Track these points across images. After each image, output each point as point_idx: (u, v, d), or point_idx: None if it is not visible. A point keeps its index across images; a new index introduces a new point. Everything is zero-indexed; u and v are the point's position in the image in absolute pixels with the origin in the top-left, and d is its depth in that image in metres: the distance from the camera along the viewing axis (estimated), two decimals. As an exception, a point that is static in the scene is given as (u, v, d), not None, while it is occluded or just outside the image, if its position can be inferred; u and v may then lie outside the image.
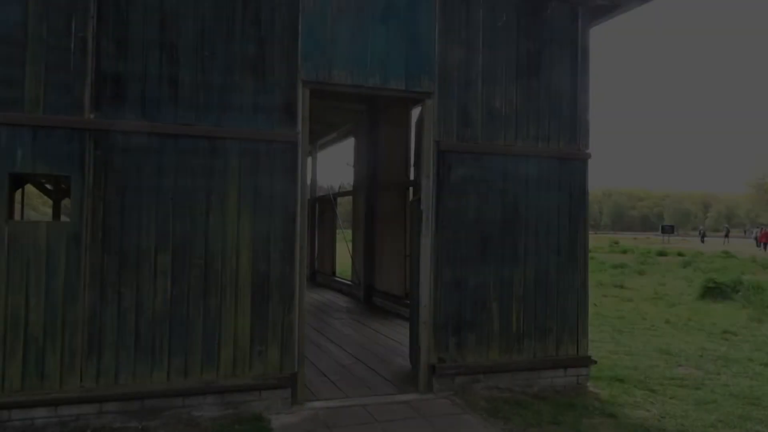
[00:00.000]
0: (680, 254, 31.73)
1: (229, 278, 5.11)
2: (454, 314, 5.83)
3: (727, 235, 56.14)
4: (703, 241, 54.75)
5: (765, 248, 38.95)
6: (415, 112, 8.92)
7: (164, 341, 4.93)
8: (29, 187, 9.44)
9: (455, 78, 5.89)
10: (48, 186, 9.27)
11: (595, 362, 6.40)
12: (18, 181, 6.34)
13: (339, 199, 16.13)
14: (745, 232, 72.95)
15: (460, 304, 5.86)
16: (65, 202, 8.90)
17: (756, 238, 44.56)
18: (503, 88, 6.06)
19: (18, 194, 8.00)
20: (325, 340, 8.32)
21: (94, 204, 4.80)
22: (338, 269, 16.08)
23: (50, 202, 10.03)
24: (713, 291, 14.64)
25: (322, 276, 16.22)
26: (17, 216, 8.08)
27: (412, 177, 9.77)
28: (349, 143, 15.79)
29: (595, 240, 36.22)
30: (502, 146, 6.06)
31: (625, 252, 34.12)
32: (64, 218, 6.66)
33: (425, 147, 5.87)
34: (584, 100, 6.41)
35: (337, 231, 15.38)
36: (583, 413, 5.49)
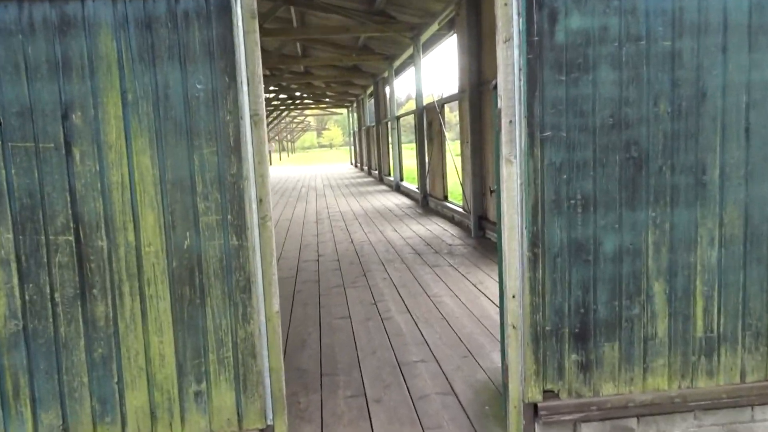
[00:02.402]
0: None
1: (125, 263, 2.75)
2: (572, 309, 3.01)
3: None
4: None
5: None
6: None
7: (21, 382, 2.76)
8: None
9: None
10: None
11: None
12: None
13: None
14: None
15: (584, 289, 3.01)
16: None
17: None
18: None
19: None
20: (399, 308, 5.87)
21: None
22: (451, 191, 13.44)
23: None
24: None
25: (433, 201, 13.70)
26: None
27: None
28: (453, 42, 12.73)
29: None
30: (671, -39, 2.89)
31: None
32: None
33: (502, -21, 2.89)
34: None
35: (446, 146, 12.59)
36: None
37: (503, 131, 2.92)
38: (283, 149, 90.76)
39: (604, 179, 2.96)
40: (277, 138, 68.92)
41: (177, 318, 2.78)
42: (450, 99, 11.76)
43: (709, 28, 2.92)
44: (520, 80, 2.87)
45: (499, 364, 4.24)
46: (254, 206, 2.79)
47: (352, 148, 43.11)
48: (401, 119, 19.68)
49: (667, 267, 3.03)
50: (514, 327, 3.00)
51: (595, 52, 2.88)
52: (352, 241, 9.87)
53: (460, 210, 11.22)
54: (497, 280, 6.80)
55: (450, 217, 11.99)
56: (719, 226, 3.04)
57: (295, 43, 19.30)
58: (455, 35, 10.86)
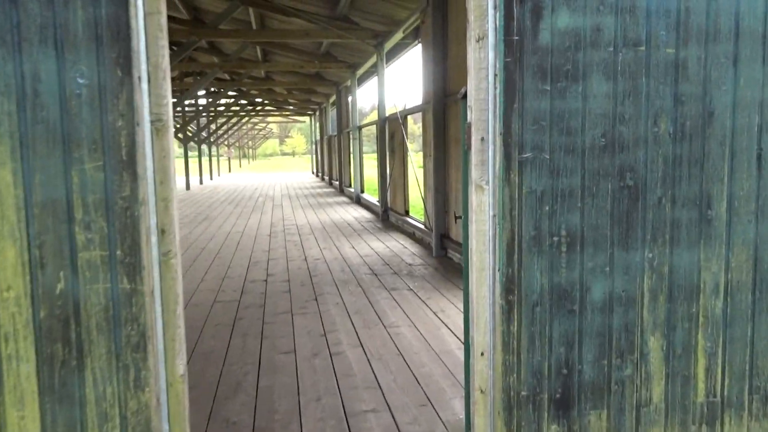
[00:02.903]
0: None
1: (-24, 315, 2.08)
2: (553, 370, 2.47)
3: None
4: None
5: None
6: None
7: None
8: None
9: None
10: None
11: None
12: None
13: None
14: None
15: (568, 345, 2.47)
16: None
17: None
18: None
19: None
20: (351, 340, 5.26)
21: None
22: (413, 206, 12.94)
23: None
24: None
25: (394, 215, 13.16)
26: None
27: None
28: (418, 52, 12.33)
29: None
30: (676, -48, 2.41)
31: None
32: None
33: (476, -36, 2.35)
34: None
35: (408, 159, 12.09)
36: None
37: (473, 150, 2.37)
38: (244, 156, 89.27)
39: (594, 212, 2.43)
40: (237, 144, 67.59)
41: (45, 385, 2.11)
42: (413, 110, 11.27)
43: (719, 35, 2.44)
44: (495, 88, 2.33)
45: (462, 416, 3.67)
46: (153, 239, 2.15)
47: (314, 156, 42.42)
48: (364, 129, 19.15)
49: (665, 318, 2.52)
50: (482, 391, 2.43)
51: (586, 57, 2.36)
52: (305, 259, 9.22)
53: (422, 227, 10.70)
54: (460, 308, 6.28)
55: (411, 234, 11.46)
56: (725, 271, 2.55)
57: (255, 47, 18.61)
58: (420, 44, 10.39)
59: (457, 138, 8.56)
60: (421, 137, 10.70)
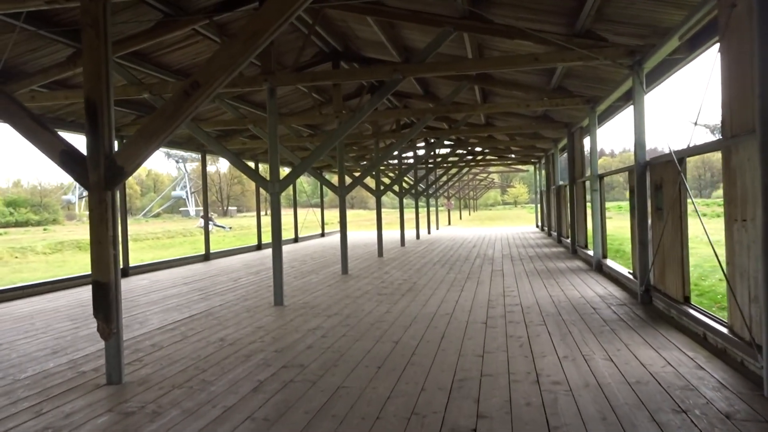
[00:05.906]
0: None
1: None
2: None
3: None
4: None
5: None
6: None
7: None
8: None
9: None
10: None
11: None
12: None
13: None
14: None
15: None
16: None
17: None
18: None
19: None
20: None
21: None
22: (695, 286, 8.86)
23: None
24: None
25: (663, 300, 9.19)
26: None
27: None
28: (703, 63, 8.61)
29: None
30: None
31: None
32: None
33: None
34: None
35: (689, 216, 8.22)
36: None
37: None
38: (465, 206, 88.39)
39: None
40: (457, 195, 66.49)
41: None
42: (705, 148, 7.46)
43: None
44: None
45: None
46: None
47: (538, 207, 38.61)
48: (605, 178, 15.30)
49: None
50: None
51: None
52: (537, 381, 5.98)
53: (722, 330, 6.73)
54: None
55: (699, 336, 7.46)
56: None
57: (474, 88, 16.20)
58: (717, 44, 6.70)
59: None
60: (722, 190, 6.85)
